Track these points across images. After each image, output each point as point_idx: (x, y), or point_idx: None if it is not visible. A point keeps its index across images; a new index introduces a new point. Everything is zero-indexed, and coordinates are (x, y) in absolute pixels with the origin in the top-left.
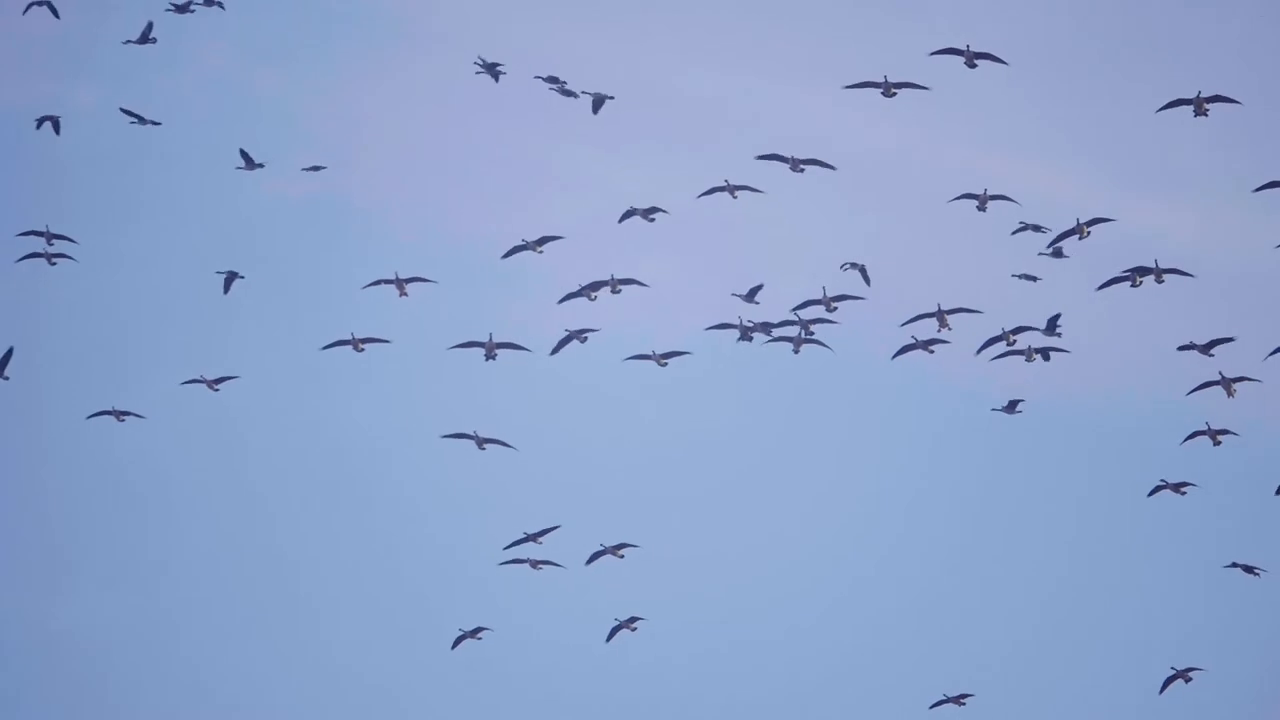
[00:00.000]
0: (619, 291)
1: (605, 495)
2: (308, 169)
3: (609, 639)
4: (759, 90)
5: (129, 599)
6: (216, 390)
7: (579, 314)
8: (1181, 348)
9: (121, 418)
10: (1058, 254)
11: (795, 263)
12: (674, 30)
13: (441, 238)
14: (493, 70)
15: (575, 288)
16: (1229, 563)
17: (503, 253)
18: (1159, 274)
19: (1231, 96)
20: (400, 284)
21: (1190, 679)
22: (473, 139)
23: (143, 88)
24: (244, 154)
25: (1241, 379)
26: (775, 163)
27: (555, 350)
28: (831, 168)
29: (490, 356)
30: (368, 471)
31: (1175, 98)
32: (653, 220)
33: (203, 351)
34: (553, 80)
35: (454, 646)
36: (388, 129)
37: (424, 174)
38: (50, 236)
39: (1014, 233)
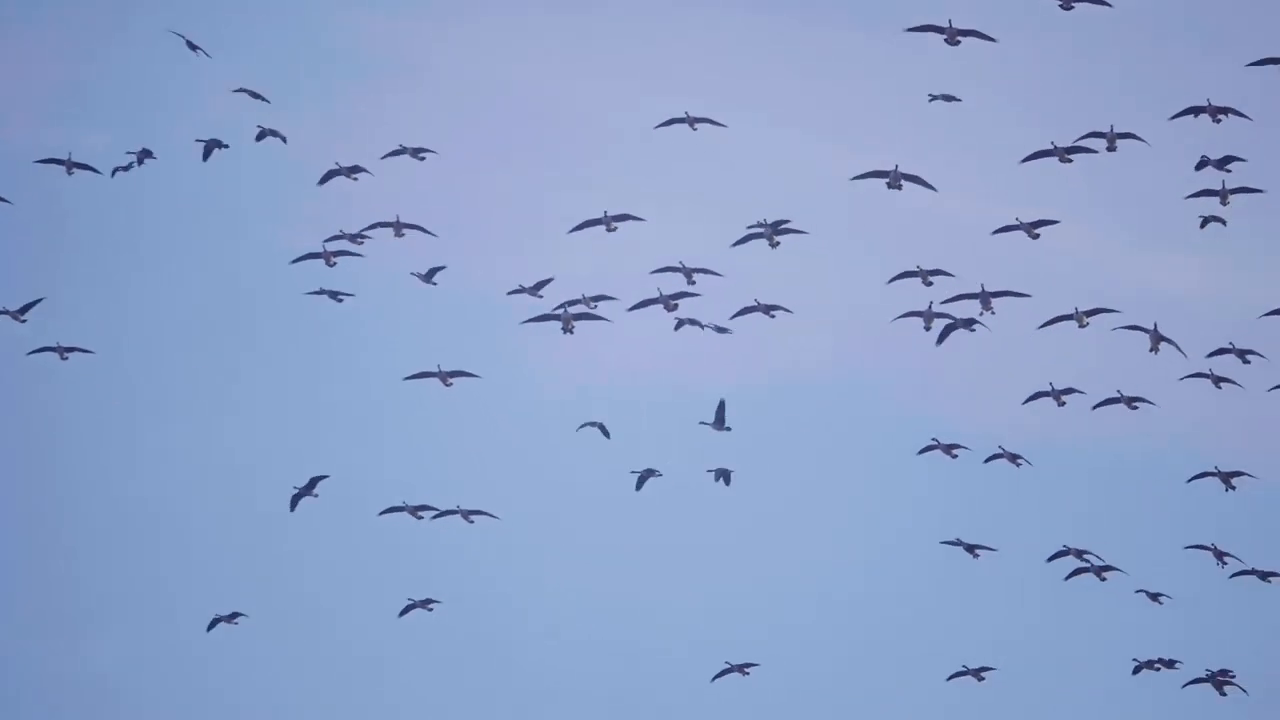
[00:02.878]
0: (614, 229)
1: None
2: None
3: (401, 614)
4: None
5: (159, 641)
6: (66, 359)
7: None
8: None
9: (65, 355)
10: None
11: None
12: (666, 66)
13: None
14: (193, 47)
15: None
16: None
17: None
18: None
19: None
20: (399, 227)
21: (983, 678)
22: (466, 177)
23: (149, 133)
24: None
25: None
26: (873, 180)
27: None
28: (933, 189)
29: (568, 330)
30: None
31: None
32: (356, 179)
33: (207, 400)
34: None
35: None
36: (388, 168)
37: (421, 215)
38: (71, 165)
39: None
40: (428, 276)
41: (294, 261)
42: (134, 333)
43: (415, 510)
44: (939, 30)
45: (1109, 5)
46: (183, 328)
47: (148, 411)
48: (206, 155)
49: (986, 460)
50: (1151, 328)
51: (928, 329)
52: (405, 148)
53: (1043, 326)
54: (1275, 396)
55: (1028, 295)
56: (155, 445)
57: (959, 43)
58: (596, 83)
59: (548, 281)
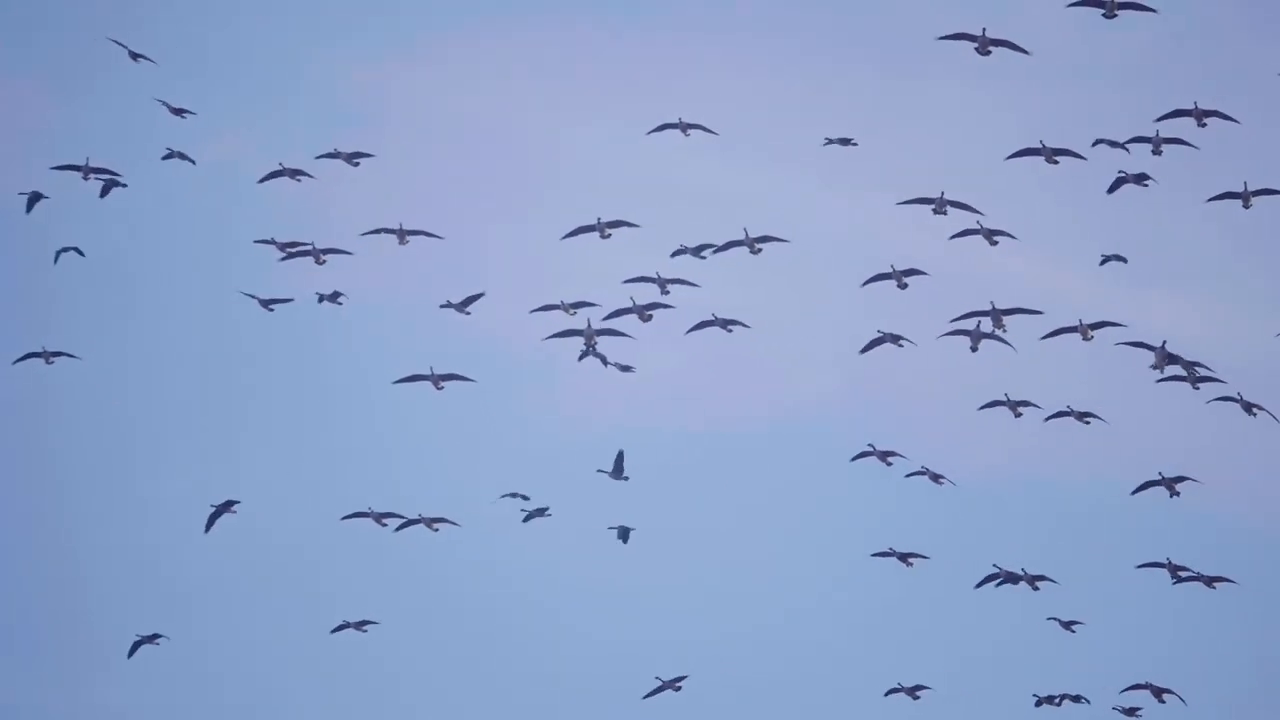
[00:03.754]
0: (608, 236)
1: None
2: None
3: (333, 632)
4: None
5: (167, 677)
6: (51, 364)
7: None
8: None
9: (51, 360)
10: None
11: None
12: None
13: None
14: (135, 56)
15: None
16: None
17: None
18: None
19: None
20: (401, 234)
21: (918, 697)
22: (455, 219)
23: (142, 177)
24: None
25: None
26: (920, 206)
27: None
28: (979, 213)
29: (590, 347)
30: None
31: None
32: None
33: (211, 448)
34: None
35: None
36: (384, 208)
37: (413, 259)
38: (89, 171)
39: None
40: (462, 306)
41: (283, 259)
42: (121, 344)
43: (380, 517)
44: (971, 39)
45: (1153, 10)
46: (171, 339)
47: (136, 419)
48: (29, 208)
49: (908, 476)
50: (1160, 345)
51: (974, 349)
52: (339, 152)
53: (1045, 338)
54: (1219, 409)
55: (1040, 312)
56: (148, 451)
57: (990, 53)
58: (565, 104)
59: (478, 296)
